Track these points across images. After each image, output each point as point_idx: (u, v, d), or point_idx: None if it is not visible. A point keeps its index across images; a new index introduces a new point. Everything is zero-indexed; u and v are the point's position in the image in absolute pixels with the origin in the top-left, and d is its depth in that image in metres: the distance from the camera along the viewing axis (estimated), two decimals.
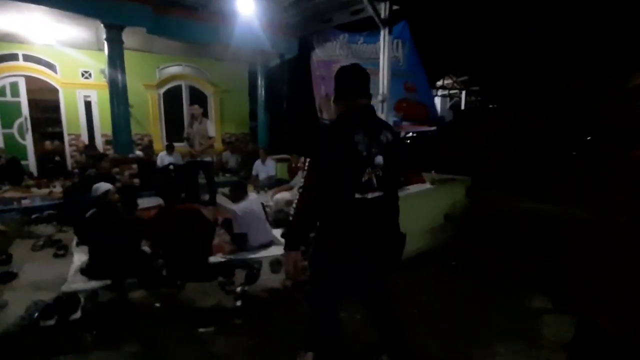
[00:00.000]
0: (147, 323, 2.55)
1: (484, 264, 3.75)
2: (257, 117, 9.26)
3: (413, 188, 4.17)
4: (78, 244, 3.87)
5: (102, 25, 5.86)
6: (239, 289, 2.94)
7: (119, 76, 6.07)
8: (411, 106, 6.26)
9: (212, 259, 3.59)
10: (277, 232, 4.41)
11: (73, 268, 3.28)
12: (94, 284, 2.97)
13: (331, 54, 7.05)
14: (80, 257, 3.55)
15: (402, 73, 5.67)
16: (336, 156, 1.52)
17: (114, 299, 2.73)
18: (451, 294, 3.11)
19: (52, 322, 2.45)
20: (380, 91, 4.80)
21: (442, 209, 4.59)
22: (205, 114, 6.48)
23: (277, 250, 3.92)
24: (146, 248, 3.59)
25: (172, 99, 8.96)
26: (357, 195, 1.53)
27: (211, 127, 5.52)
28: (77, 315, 2.54)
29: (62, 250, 3.74)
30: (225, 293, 2.95)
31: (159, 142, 8.51)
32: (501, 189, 6.83)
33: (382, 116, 4.75)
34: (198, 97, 8.95)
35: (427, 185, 4.37)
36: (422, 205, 4.12)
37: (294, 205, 1.64)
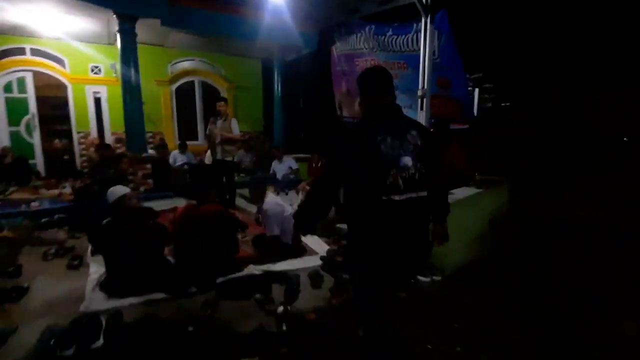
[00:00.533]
0: (180, 351, 2.18)
1: (545, 280, 3.35)
2: (271, 115, 8.90)
3: (459, 193, 3.77)
4: (93, 253, 3.53)
5: (114, 16, 5.53)
6: (280, 308, 2.56)
7: (132, 71, 5.74)
8: (442, 103, 5.82)
9: (245, 271, 3.23)
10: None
11: (90, 283, 2.93)
12: (115, 302, 2.61)
13: (354, 47, 6.61)
14: (96, 268, 3.21)
15: (437, 67, 5.23)
16: (358, 158, 1.49)
17: (140, 321, 2.37)
18: (521, 320, 2.68)
19: (70, 352, 2.08)
20: (420, 85, 4.40)
21: (488, 215, 4.21)
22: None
23: (312, 261, 3.55)
24: (170, 258, 3.25)
25: (184, 96, 8.60)
26: (383, 198, 1.48)
27: (236, 127, 5.15)
28: (99, 342, 2.17)
29: (76, 261, 3.38)
30: (266, 313, 2.57)
31: (171, 140, 8.16)
32: (541, 191, 6.46)
33: (422, 113, 4.35)
34: (211, 94, 8.59)
35: (474, 190, 3.98)
36: (470, 212, 3.73)
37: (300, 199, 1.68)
